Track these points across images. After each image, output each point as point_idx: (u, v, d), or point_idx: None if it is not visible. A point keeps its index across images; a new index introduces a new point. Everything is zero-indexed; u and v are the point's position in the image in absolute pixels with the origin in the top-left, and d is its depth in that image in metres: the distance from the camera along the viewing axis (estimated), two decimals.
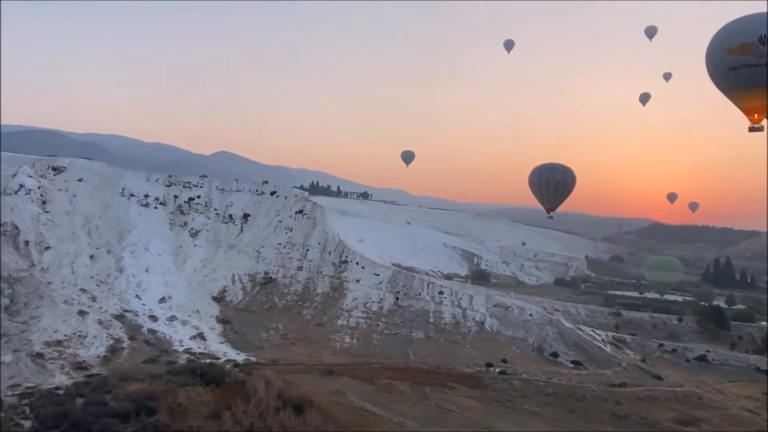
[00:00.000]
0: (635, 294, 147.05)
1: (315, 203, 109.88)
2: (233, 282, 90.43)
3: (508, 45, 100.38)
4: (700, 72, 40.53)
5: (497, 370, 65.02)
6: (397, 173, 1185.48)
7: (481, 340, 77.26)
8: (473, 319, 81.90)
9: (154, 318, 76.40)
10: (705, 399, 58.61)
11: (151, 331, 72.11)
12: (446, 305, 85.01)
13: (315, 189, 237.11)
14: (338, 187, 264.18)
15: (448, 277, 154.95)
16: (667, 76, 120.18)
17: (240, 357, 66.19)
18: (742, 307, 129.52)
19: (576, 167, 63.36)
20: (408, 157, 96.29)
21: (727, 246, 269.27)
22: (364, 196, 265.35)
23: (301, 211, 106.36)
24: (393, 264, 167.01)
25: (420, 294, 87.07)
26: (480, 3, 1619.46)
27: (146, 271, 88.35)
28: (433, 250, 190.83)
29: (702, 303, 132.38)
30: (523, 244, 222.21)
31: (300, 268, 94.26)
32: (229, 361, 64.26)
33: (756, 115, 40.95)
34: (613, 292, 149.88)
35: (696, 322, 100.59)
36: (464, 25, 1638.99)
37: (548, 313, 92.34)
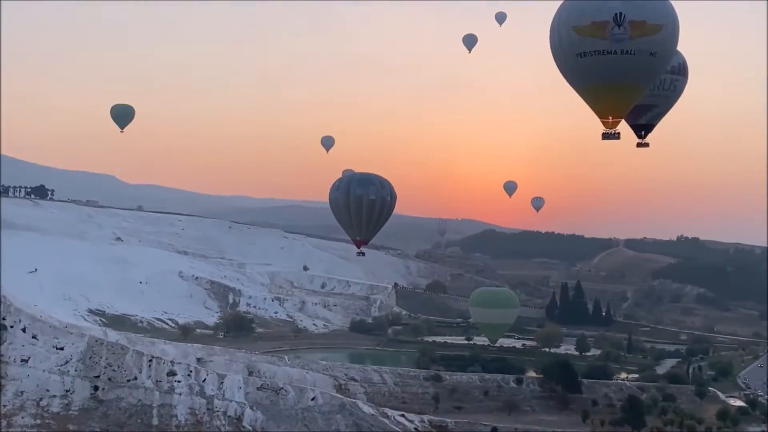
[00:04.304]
0: (461, 340, 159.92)
1: None
2: None
3: None
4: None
5: None
6: (103, 146, 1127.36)
7: None
8: (224, 413, 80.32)
9: None
10: None
11: None
12: (181, 393, 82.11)
13: None
14: None
15: (185, 329, 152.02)
16: (501, 17, 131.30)
17: None
18: (597, 352, 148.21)
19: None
20: (123, 114, 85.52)
21: (577, 261, 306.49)
22: (41, 193, 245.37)
23: None
24: (91, 311, 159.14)
25: (137, 378, 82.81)
26: None
27: None
28: (161, 284, 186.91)
29: (545, 349, 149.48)
30: (305, 268, 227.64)
31: None
32: None
33: (610, 119, 43.23)
34: (431, 339, 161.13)
35: (539, 383, 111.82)
36: None
37: (341, 389, 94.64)
